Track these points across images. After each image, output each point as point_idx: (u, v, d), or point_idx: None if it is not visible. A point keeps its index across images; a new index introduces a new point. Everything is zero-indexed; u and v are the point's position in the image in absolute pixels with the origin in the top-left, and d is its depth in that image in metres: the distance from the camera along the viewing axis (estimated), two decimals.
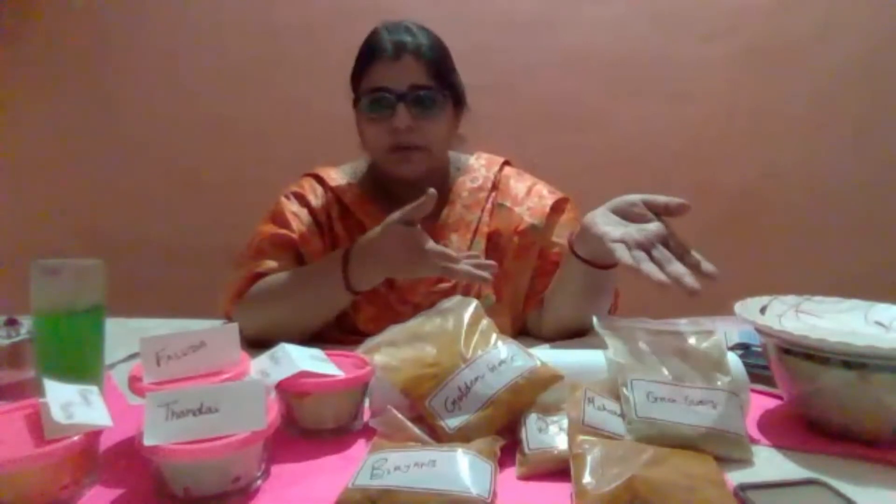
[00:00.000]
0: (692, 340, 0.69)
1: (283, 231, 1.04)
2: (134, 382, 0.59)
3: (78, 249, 1.94)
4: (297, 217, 1.06)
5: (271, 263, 1.01)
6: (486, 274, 0.87)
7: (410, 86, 0.97)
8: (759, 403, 0.72)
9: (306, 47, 1.96)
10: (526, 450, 0.57)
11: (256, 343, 0.81)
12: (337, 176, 1.13)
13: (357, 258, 0.92)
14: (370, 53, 1.00)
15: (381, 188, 1.11)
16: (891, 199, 1.97)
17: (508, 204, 1.10)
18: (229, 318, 1.03)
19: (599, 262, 0.89)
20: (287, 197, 1.09)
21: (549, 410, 0.61)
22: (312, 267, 1.01)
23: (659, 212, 0.84)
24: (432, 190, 0.86)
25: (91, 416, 0.52)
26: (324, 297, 0.95)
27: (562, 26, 1.96)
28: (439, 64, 1.01)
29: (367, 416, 0.65)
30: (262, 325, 0.94)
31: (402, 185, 1.08)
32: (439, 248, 0.89)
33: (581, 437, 0.56)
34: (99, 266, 0.69)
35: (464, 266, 0.87)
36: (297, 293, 0.96)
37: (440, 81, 1.00)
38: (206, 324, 1.04)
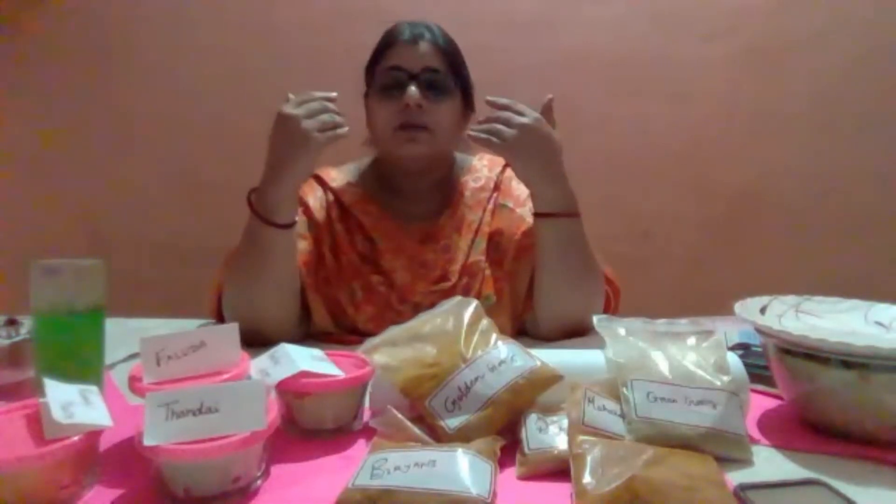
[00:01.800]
0: (692, 340, 0.69)
1: None
2: (134, 382, 0.59)
3: (78, 249, 1.94)
4: None
5: None
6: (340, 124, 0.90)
7: (424, 67, 1.01)
8: (759, 403, 0.72)
9: (306, 47, 1.96)
10: (526, 450, 0.57)
11: (256, 343, 0.81)
12: (337, 176, 1.13)
13: (259, 187, 0.93)
14: (388, 40, 1.04)
15: (384, 186, 1.11)
16: (891, 199, 1.97)
17: (510, 205, 1.10)
18: (216, 317, 1.02)
19: (562, 211, 0.94)
20: None
21: (549, 410, 0.61)
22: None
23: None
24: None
25: (91, 416, 0.52)
26: (260, 247, 0.93)
27: (562, 26, 1.96)
28: (453, 56, 1.05)
29: (367, 416, 0.65)
30: (241, 311, 0.93)
31: (405, 179, 1.09)
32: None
33: (581, 437, 0.56)
34: (99, 266, 0.69)
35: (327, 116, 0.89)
36: (243, 260, 0.95)
37: (453, 70, 1.04)
38: (206, 324, 1.04)
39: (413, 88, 0.99)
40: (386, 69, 1.02)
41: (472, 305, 0.72)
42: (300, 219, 1.06)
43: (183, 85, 2.00)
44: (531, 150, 0.92)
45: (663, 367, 0.65)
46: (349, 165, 1.15)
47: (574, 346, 0.72)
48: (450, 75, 1.03)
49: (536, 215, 0.97)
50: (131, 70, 2.00)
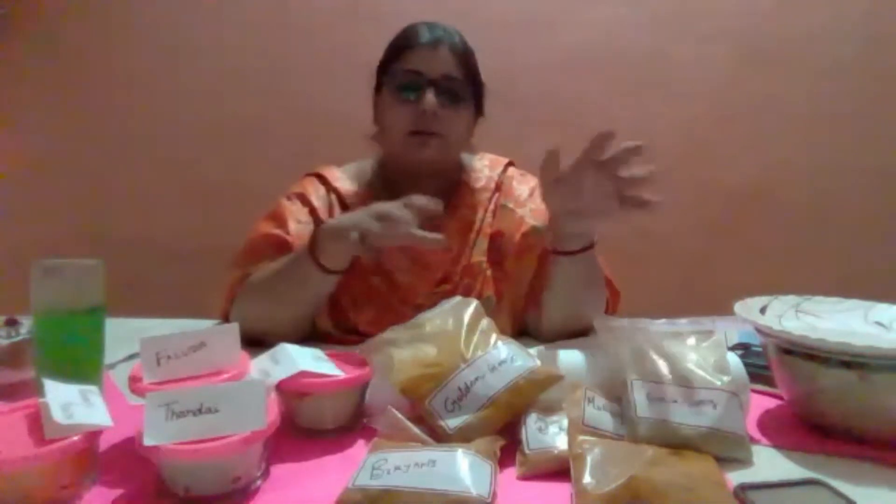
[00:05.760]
0: (692, 340, 0.69)
1: (278, 231, 1.03)
2: (134, 382, 0.59)
3: (78, 249, 1.94)
4: (296, 217, 1.05)
5: (264, 264, 1.00)
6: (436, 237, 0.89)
7: (443, 74, 1.01)
8: (759, 403, 0.72)
9: (307, 47, 1.96)
10: (526, 450, 0.57)
11: (256, 343, 0.81)
12: (340, 175, 1.12)
13: (324, 234, 0.91)
14: (407, 41, 1.04)
15: (386, 186, 1.10)
16: (891, 199, 1.97)
17: (511, 205, 1.10)
18: (226, 319, 1.02)
19: (576, 247, 0.92)
20: (288, 198, 1.08)
21: (549, 410, 0.61)
22: (290, 255, 0.98)
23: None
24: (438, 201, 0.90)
25: (91, 416, 0.52)
26: (301, 281, 0.94)
27: (562, 26, 1.96)
28: (470, 64, 1.05)
29: (367, 416, 0.65)
30: (255, 322, 0.93)
31: (411, 181, 1.08)
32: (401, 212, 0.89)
33: (581, 437, 0.56)
34: (99, 266, 0.69)
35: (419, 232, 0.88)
36: (278, 283, 0.95)
37: (470, 77, 1.04)
38: (206, 324, 1.04)
39: (431, 95, 0.99)
40: (404, 71, 1.01)
41: (473, 305, 0.72)
42: (306, 218, 1.06)
43: (183, 85, 2.00)
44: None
45: (663, 367, 0.65)
46: (350, 165, 1.15)
47: (574, 346, 0.72)
48: (467, 83, 1.03)
49: (556, 252, 0.94)
50: (131, 70, 2.00)
